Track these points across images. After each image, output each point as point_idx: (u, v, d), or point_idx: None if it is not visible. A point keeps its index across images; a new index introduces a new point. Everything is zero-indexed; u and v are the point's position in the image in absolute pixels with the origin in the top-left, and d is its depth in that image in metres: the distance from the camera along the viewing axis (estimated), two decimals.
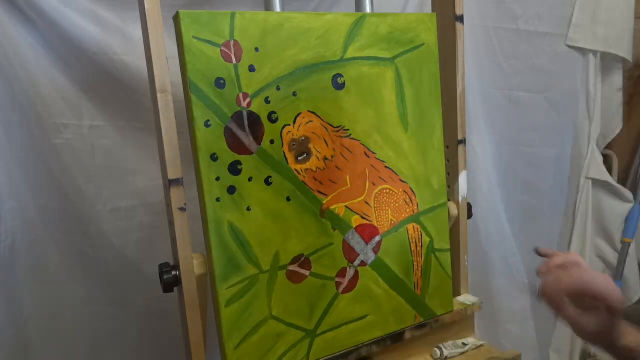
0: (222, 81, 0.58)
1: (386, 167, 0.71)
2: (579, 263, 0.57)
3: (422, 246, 0.76)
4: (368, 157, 0.70)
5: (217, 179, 0.59)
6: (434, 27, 0.73)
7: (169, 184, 0.58)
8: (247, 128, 0.61)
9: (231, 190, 0.60)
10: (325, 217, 0.67)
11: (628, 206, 1.35)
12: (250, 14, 0.60)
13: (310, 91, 0.64)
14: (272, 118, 0.62)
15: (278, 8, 0.67)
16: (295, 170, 0.64)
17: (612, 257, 1.42)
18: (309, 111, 0.65)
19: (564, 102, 1.24)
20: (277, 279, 0.64)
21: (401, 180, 0.73)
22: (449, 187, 0.81)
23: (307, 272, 0.67)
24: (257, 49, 0.60)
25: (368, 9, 0.73)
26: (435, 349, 0.80)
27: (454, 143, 0.80)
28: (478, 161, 1.15)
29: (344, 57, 0.66)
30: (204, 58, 0.57)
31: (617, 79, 1.31)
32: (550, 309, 0.56)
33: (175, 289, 0.62)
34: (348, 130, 0.68)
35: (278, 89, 0.62)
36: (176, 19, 0.57)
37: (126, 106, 0.88)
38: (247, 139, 0.61)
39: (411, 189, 0.74)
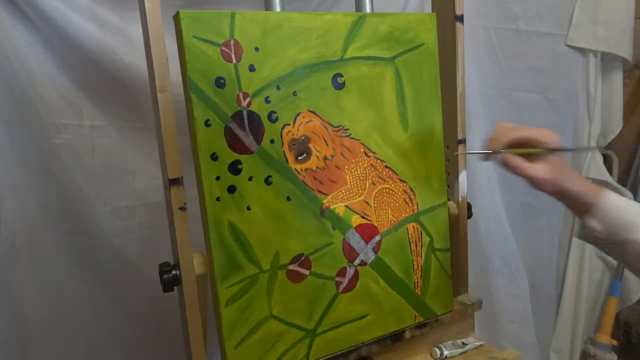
0: (222, 81, 0.58)
1: (386, 166, 0.71)
2: (518, 126, 0.63)
3: (422, 246, 0.76)
4: (368, 156, 0.70)
5: (217, 178, 0.59)
6: (434, 27, 0.73)
7: (169, 183, 0.58)
8: (247, 127, 0.61)
9: (231, 189, 0.60)
10: (325, 217, 0.67)
11: None
12: (251, 13, 0.60)
13: (310, 91, 0.65)
14: (272, 117, 0.62)
15: (278, 8, 0.67)
16: (295, 169, 0.64)
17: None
18: (309, 111, 0.65)
19: (564, 102, 1.24)
20: (277, 278, 0.65)
21: (401, 180, 0.73)
22: (448, 186, 0.81)
23: (307, 272, 0.67)
24: (257, 49, 0.60)
25: (368, 9, 0.73)
26: (435, 348, 0.80)
27: (454, 143, 0.80)
28: (478, 161, 1.15)
29: (343, 57, 0.67)
30: (204, 58, 0.57)
31: (617, 79, 1.32)
32: (501, 165, 0.64)
33: (175, 288, 0.62)
34: (348, 129, 0.68)
35: (278, 88, 0.62)
36: (176, 18, 0.57)
37: (126, 106, 0.88)
38: (247, 139, 0.61)
39: (411, 189, 0.74)
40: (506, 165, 0.63)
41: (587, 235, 0.64)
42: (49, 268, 0.88)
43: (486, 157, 0.65)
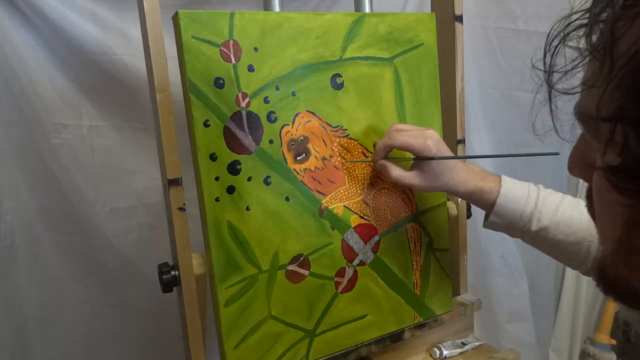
0: (221, 81, 0.58)
1: None
2: (398, 128, 0.64)
3: (421, 246, 0.76)
4: (366, 156, 0.70)
5: (216, 178, 0.59)
6: (433, 27, 0.73)
7: (168, 183, 0.58)
8: (246, 128, 0.61)
9: (230, 190, 0.60)
10: (324, 217, 0.67)
11: None
12: (250, 13, 0.60)
13: (309, 91, 0.65)
14: (271, 118, 0.62)
15: (277, 8, 0.67)
16: (294, 169, 0.64)
17: None
18: (307, 111, 0.65)
19: (563, 102, 1.24)
20: (276, 278, 0.65)
21: None
22: None
23: (306, 272, 0.67)
24: (256, 49, 0.60)
25: (367, 9, 0.73)
26: (435, 348, 0.80)
27: (453, 143, 0.80)
28: (478, 161, 1.15)
29: (342, 57, 0.67)
30: (203, 58, 0.57)
31: None
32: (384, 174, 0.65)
33: (175, 288, 0.62)
34: (346, 130, 0.68)
35: (277, 88, 0.62)
36: (175, 18, 0.57)
37: (125, 106, 0.88)
38: (246, 139, 0.61)
39: (410, 189, 0.74)
40: (384, 174, 0.65)
41: (491, 226, 0.66)
42: (49, 268, 0.89)
43: (373, 164, 0.67)
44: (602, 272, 0.35)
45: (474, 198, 0.65)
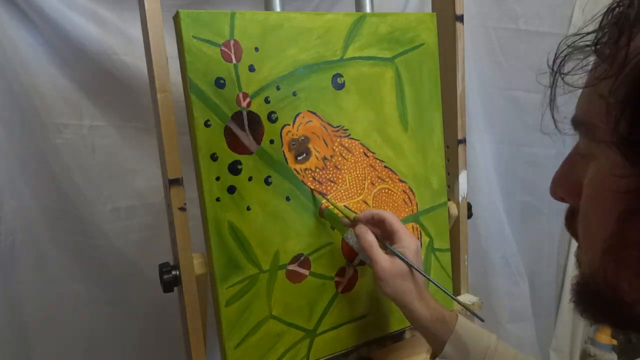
0: (222, 81, 0.58)
1: (385, 166, 0.71)
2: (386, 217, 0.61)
3: (421, 246, 0.76)
4: (367, 156, 0.70)
5: (217, 178, 0.59)
6: (434, 27, 0.73)
7: (169, 183, 0.58)
8: (247, 128, 0.61)
9: (231, 189, 0.60)
10: (324, 217, 0.67)
11: None
12: (250, 13, 0.60)
13: (310, 91, 0.65)
14: (272, 118, 0.62)
15: (278, 8, 0.67)
16: (295, 169, 0.64)
17: None
18: (308, 111, 0.65)
19: (564, 102, 1.24)
20: (277, 278, 0.65)
21: (400, 180, 0.73)
22: (448, 186, 0.81)
23: (306, 272, 0.67)
24: (257, 49, 0.60)
25: (368, 9, 0.73)
26: None
27: (454, 143, 0.80)
28: (478, 161, 1.15)
29: (343, 57, 0.67)
30: (204, 58, 0.57)
31: None
32: (364, 252, 0.60)
33: (175, 288, 0.62)
34: (347, 129, 0.68)
35: (278, 88, 0.62)
36: (176, 18, 0.57)
37: (126, 106, 0.88)
38: (247, 139, 0.61)
39: (410, 189, 0.74)
40: (359, 238, 0.60)
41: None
42: (49, 268, 0.88)
43: (351, 223, 0.64)
44: (583, 289, 0.35)
45: (428, 329, 0.60)
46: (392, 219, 0.61)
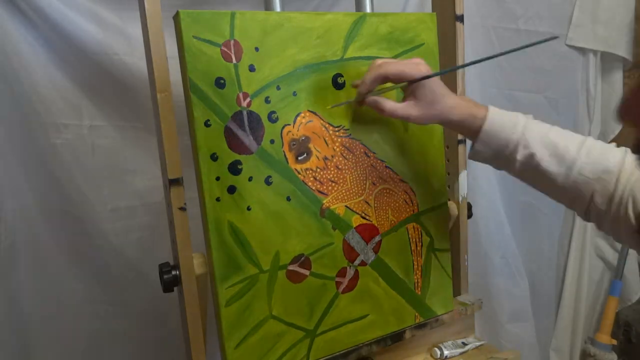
0: (222, 81, 0.58)
1: (386, 166, 0.71)
2: (382, 61, 0.61)
3: (422, 246, 0.76)
4: (368, 156, 0.70)
5: (217, 178, 0.59)
6: (434, 27, 0.73)
7: (169, 183, 0.58)
8: (247, 128, 0.61)
9: (231, 189, 0.60)
10: (325, 217, 0.67)
11: None
12: (250, 13, 0.60)
13: (310, 91, 0.64)
14: (272, 118, 0.62)
15: (278, 8, 0.67)
16: (295, 169, 0.64)
17: (612, 257, 1.42)
18: (309, 111, 0.65)
19: (564, 102, 1.24)
20: (277, 278, 0.64)
21: (401, 180, 0.73)
22: (448, 187, 0.81)
23: (307, 272, 0.67)
24: (257, 49, 0.60)
25: (368, 9, 0.73)
26: (435, 348, 0.80)
27: (454, 143, 0.80)
28: (475, 162, 1.15)
29: (344, 57, 0.67)
30: (204, 58, 0.57)
31: (617, 79, 1.31)
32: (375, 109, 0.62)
33: (175, 288, 0.62)
34: (348, 129, 0.68)
35: (278, 88, 0.62)
36: (176, 18, 0.57)
37: (126, 106, 0.88)
38: (247, 139, 0.61)
39: (411, 189, 0.74)
40: (376, 109, 0.62)
41: (476, 156, 0.64)
42: (49, 268, 0.88)
43: (357, 104, 0.64)
44: None
45: (465, 125, 0.62)
46: (391, 69, 0.60)
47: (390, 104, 0.62)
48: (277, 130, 0.63)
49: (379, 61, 0.61)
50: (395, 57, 0.70)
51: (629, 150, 0.58)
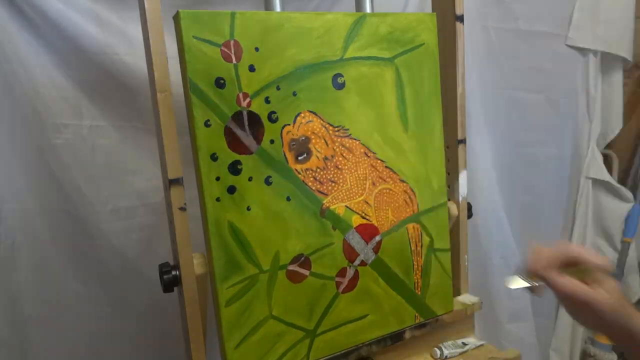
0: (222, 81, 0.58)
1: (386, 166, 0.71)
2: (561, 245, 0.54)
3: (422, 246, 0.76)
4: (368, 156, 0.70)
5: (217, 178, 0.59)
6: (434, 27, 0.73)
7: (169, 183, 0.58)
8: (247, 128, 0.61)
9: (231, 190, 0.60)
10: (325, 217, 0.67)
11: (628, 206, 1.35)
12: (251, 13, 0.60)
13: (310, 91, 0.64)
14: (272, 118, 0.62)
15: (278, 8, 0.67)
16: (295, 170, 0.64)
17: (612, 257, 1.42)
18: (309, 111, 0.65)
19: (564, 102, 1.24)
20: (277, 278, 0.64)
21: (401, 180, 0.73)
22: (449, 187, 0.81)
23: (307, 272, 0.67)
24: (257, 49, 0.60)
25: (368, 9, 0.73)
26: (435, 348, 0.80)
27: (454, 143, 0.80)
28: (478, 161, 1.15)
29: (343, 57, 0.67)
30: (204, 58, 0.57)
31: (617, 79, 1.31)
32: (545, 283, 0.52)
33: (175, 288, 0.62)
34: (348, 129, 0.68)
35: (278, 88, 0.62)
36: (176, 18, 0.57)
37: (126, 106, 0.88)
38: (247, 139, 0.61)
39: (411, 189, 0.74)
40: (561, 291, 0.50)
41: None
42: (49, 268, 0.88)
43: (534, 290, 0.55)
44: None
45: None
46: (584, 253, 0.51)
47: (585, 287, 0.50)
48: (277, 130, 0.63)
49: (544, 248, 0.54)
50: (395, 57, 0.70)
51: None
